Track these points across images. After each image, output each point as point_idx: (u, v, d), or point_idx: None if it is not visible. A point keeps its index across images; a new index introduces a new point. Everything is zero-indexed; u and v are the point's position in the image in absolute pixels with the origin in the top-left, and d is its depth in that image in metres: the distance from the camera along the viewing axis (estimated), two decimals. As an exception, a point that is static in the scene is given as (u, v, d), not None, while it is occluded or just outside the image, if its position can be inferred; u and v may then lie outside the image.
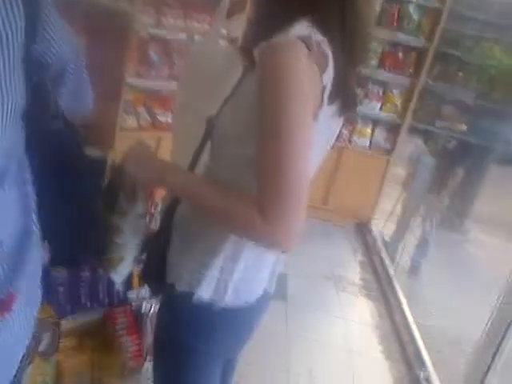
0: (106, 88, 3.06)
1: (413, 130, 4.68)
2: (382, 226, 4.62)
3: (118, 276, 1.23)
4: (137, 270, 1.37)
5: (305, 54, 0.91)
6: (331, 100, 0.99)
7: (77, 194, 1.08)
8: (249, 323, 1.27)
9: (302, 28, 0.93)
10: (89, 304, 1.92)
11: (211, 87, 1.37)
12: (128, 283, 1.95)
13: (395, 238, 4.41)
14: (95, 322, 1.91)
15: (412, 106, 4.48)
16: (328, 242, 4.31)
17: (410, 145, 4.61)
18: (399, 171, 4.71)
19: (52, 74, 0.93)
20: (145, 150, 1.18)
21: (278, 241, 0.97)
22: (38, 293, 0.98)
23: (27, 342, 0.94)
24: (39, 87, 0.88)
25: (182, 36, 3.30)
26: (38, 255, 0.93)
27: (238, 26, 1.42)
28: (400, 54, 4.46)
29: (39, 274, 0.96)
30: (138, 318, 1.95)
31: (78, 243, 1.11)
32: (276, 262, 1.24)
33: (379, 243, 4.47)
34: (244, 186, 1.03)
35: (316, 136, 0.99)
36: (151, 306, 1.95)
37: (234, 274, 1.14)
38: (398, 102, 4.52)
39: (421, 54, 4.41)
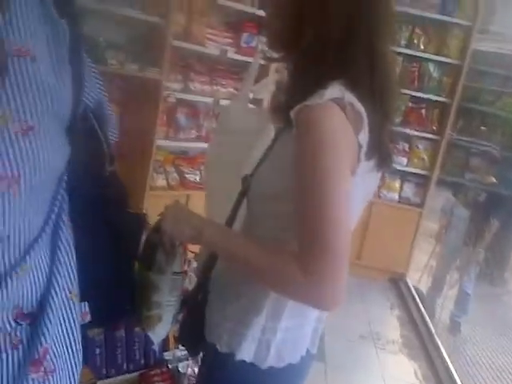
0: (137, 150, 3.23)
1: (441, 183, 4.67)
2: (418, 280, 4.51)
3: (157, 336, 1.21)
4: (173, 331, 1.35)
5: (339, 115, 0.94)
6: (368, 157, 1.01)
7: (114, 251, 1.07)
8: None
9: (335, 90, 0.95)
10: (125, 365, 1.91)
11: (242, 147, 1.41)
12: (164, 344, 1.94)
13: (432, 292, 4.28)
14: (132, 383, 1.89)
15: (439, 159, 4.49)
16: (363, 298, 4.21)
17: (439, 198, 4.58)
18: (430, 224, 4.65)
19: (96, 117, 0.95)
20: (182, 207, 1.18)
21: (322, 298, 0.95)
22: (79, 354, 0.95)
23: None
24: (90, 133, 0.91)
25: (208, 100, 3.46)
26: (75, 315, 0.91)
27: (263, 90, 1.49)
28: (423, 111, 4.53)
29: (77, 333, 0.94)
30: (174, 379, 1.92)
31: (115, 302, 1.10)
32: (318, 319, 1.20)
33: (416, 298, 4.34)
34: (282, 242, 1.04)
35: (354, 191, 1.00)
36: (188, 367, 1.92)
37: (277, 334, 1.12)
38: (425, 156, 4.55)
39: (443, 109, 4.47)
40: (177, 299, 1.20)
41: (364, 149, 0.98)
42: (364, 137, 0.98)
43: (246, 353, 1.12)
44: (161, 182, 3.42)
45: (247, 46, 3.50)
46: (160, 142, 3.35)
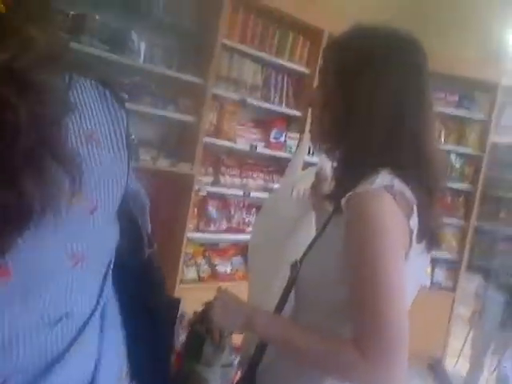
0: (167, 243, 3.27)
1: (472, 267, 4.62)
2: (455, 365, 4.33)
3: None
4: None
5: (390, 201, 0.97)
6: (419, 239, 1.03)
7: (153, 336, 1.05)
8: None
9: (385, 177, 0.99)
10: None
11: (288, 233, 1.45)
12: None
13: (471, 377, 4.08)
14: None
15: (467, 244, 4.50)
16: (404, 384, 4.00)
17: (471, 282, 4.50)
18: (462, 309, 4.54)
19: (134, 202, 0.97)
20: (231, 296, 1.18)
21: (380, 381, 0.94)
22: None
23: None
24: (128, 218, 0.92)
25: (239, 192, 3.54)
26: None
27: (305, 180, 1.56)
28: (448, 198, 4.58)
29: None
30: None
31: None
32: None
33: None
34: (333, 329, 1.04)
35: (408, 274, 1.00)
36: None
37: None
38: (453, 241, 4.54)
39: (468, 196, 4.52)
40: None
41: (415, 233, 1.00)
42: (414, 221, 1.00)
43: None
44: (191, 274, 3.42)
45: (276, 141, 3.64)
46: (190, 235, 3.39)
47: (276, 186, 3.71)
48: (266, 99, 3.58)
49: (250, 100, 3.45)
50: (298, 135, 3.72)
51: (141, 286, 1.00)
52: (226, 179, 3.50)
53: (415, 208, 1.00)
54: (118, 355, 0.87)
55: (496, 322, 3.85)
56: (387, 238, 0.96)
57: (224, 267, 3.56)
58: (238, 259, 3.73)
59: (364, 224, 0.97)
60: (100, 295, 0.83)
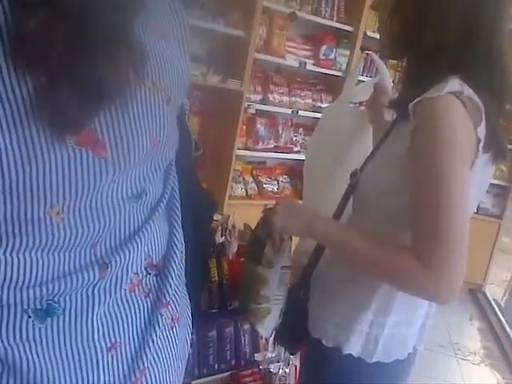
0: (217, 159, 3.33)
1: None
2: (496, 292, 4.36)
3: (265, 329, 1.23)
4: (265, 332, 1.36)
5: (459, 108, 0.95)
6: (485, 150, 1.01)
7: (190, 228, 1.09)
8: (399, 380, 1.22)
9: (455, 84, 0.97)
10: (217, 365, 1.94)
11: (344, 145, 1.45)
12: (254, 345, 1.97)
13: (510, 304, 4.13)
14: (223, 383, 1.93)
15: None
16: (441, 308, 4.08)
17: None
18: (505, 239, 4.50)
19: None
20: (292, 202, 1.21)
21: (440, 291, 0.95)
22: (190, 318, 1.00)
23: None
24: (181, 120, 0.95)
25: (287, 111, 3.51)
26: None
27: (364, 92, 1.54)
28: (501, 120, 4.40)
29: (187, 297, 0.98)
30: (265, 379, 1.93)
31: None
32: (426, 316, 1.20)
33: (497, 310, 4.19)
34: (389, 236, 1.06)
35: (472, 185, 1.00)
36: (279, 368, 1.94)
37: (385, 329, 1.12)
38: (504, 167, 4.39)
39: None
40: (284, 294, 1.22)
41: (482, 142, 0.98)
42: (482, 130, 0.98)
43: (354, 347, 1.12)
44: (239, 191, 3.49)
45: (325, 59, 3.54)
46: (239, 152, 3.43)
47: (324, 105, 3.66)
48: (317, 13, 3.45)
49: (300, 14, 3.33)
50: (348, 52, 3.60)
51: (187, 183, 1.03)
52: (274, 97, 3.46)
53: (484, 116, 0.98)
54: (180, 239, 0.93)
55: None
56: (455, 147, 0.95)
57: (271, 186, 3.61)
58: (284, 178, 3.77)
59: (433, 130, 0.96)
60: (166, 184, 0.91)
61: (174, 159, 0.92)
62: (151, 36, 0.76)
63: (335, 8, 3.51)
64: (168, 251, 0.91)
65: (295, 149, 3.73)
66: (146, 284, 0.86)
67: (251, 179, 3.59)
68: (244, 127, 3.43)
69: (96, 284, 0.76)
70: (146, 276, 0.85)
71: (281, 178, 3.73)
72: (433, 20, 1.02)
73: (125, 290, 0.81)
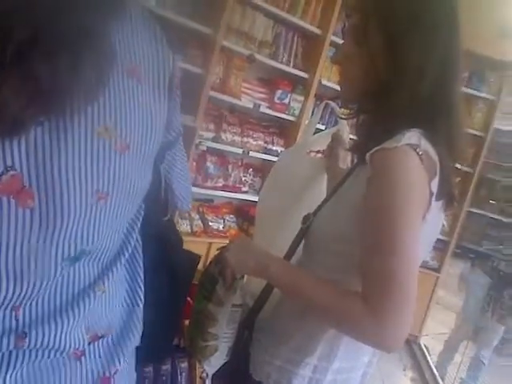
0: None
1: (460, 249, 4.66)
2: (430, 344, 4.43)
3: (211, 366, 1.20)
4: (202, 371, 1.32)
5: (415, 160, 0.96)
6: (437, 198, 1.02)
7: (169, 289, 1.07)
8: None
9: (413, 136, 0.97)
10: None
11: (299, 190, 1.46)
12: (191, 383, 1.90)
13: (444, 358, 4.18)
14: None
15: (458, 226, 4.51)
16: (377, 356, 4.12)
17: (455, 265, 4.55)
18: (441, 292, 4.61)
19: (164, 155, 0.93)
20: (247, 240, 1.19)
21: (386, 338, 0.94)
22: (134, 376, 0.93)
23: None
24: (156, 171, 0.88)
25: (238, 151, 3.51)
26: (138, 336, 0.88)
27: (320, 142, 1.57)
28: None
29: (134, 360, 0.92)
30: None
31: (166, 339, 1.09)
32: (369, 364, 1.20)
33: (430, 361, 4.25)
34: (338, 282, 1.04)
35: (423, 235, 1.00)
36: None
37: (328, 375, 1.11)
38: (445, 222, 4.54)
39: (465, 178, 4.47)
40: (233, 332, 1.20)
41: (435, 194, 0.99)
42: (435, 183, 0.99)
43: None
44: (185, 227, 3.41)
45: (280, 103, 3.58)
46: (187, 188, 3.36)
47: (275, 148, 3.68)
48: (275, 57, 3.50)
49: (258, 56, 3.37)
50: (302, 98, 3.67)
51: (162, 243, 1.00)
52: (226, 136, 3.45)
53: (438, 169, 1.00)
54: (140, 301, 0.86)
55: (478, 306, 3.92)
56: (408, 196, 0.95)
57: (217, 224, 3.56)
58: (231, 217, 3.73)
59: (387, 180, 0.96)
60: (126, 242, 0.81)
61: (139, 219, 0.83)
62: (120, 70, 0.67)
63: (292, 54, 3.58)
64: (125, 320, 0.82)
65: (243, 189, 3.71)
66: (86, 354, 0.76)
67: (197, 216, 3.52)
68: (194, 163, 3.39)
69: (12, 352, 0.67)
70: (84, 348, 0.75)
71: (227, 217, 3.69)
72: (407, 78, 1.02)
73: (53, 359, 0.71)
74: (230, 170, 3.59)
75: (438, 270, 4.55)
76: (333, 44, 3.64)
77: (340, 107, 1.46)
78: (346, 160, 1.48)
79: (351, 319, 0.96)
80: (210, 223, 3.53)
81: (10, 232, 0.61)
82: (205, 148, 3.35)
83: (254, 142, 3.59)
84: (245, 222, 3.72)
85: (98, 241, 0.71)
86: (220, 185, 3.56)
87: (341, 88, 1.18)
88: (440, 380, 4.00)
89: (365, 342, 1.02)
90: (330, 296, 1.00)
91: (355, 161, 1.20)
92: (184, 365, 1.89)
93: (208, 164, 3.46)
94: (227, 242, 1.17)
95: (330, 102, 1.57)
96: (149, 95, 0.73)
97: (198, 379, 1.91)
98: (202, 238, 3.43)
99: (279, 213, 1.47)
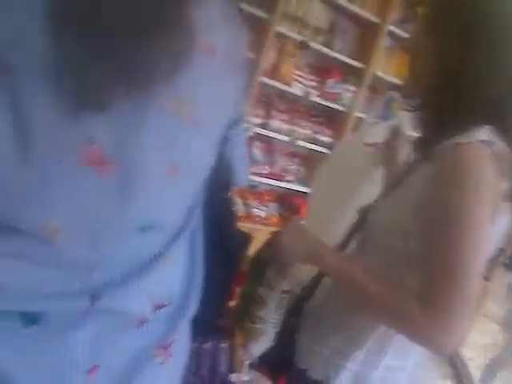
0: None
1: (508, 260, 4.50)
2: (470, 354, 4.31)
3: (256, 349, 1.22)
4: (243, 355, 1.34)
5: (489, 158, 0.93)
6: (507, 199, 0.98)
7: (221, 263, 1.06)
8: None
9: (486, 133, 0.95)
10: (192, 377, 1.89)
11: (353, 182, 1.46)
12: (231, 365, 1.91)
13: (488, 373, 4.06)
14: None
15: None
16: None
17: (503, 275, 4.40)
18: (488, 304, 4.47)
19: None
20: (302, 227, 1.17)
21: (442, 341, 0.91)
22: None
23: None
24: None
25: (285, 139, 3.47)
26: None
27: (378, 134, 1.54)
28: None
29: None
30: None
31: (214, 314, 1.11)
32: (417, 364, 1.16)
33: (469, 373, 4.15)
34: (392, 276, 1.02)
35: (490, 238, 0.97)
36: (253, 393, 1.89)
37: (376, 371, 1.09)
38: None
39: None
40: (280, 318, 1.20)
41: (506, 196, 0.96)
42: (506, 183, 0.96)
43: (343, 383, 1.09)
44: (227, 212, 3.41)
45: (331, 92, 3.52)
46: (232, 173, 3.36)
47: (323, 138, 3.63)
48: (329, 45, 3.43)
49: (312, 43, 3.31)
50: (354, 88, 3.59)
51: (221, 219, 0.99)
52: (274, 123, 3.42)
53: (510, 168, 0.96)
54: (199, 276, 0.88)
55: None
56: (480, 194, 0.92)
57: (259, 211, 3.54)
58: (273, 205, 3.71)
59: (459, 174, 0.92)
60: (189, 217, 0.83)
61: (202, 196, 0.85)
62: (198, 47, 0.67)
63: (347, 43, 3.50)
64: (185, 291, 0.85)
65: (288, 177, 3.68)
66: (148, 321, 0.79)
67: (240, 201, 3.52)
68: (240, 149, 3.37)
69: (85, 312, 0.71)
70: (147, 315, 0.79)
71: (270, 205, 3.67)
72: (478, 71, 0.98)
73: (119, 322, 0.76)
74: (276, 158, 3.57)
75: (487, 278, 4.41)
76: (390, 34, 3.55)
77: (403, 99, 1.41)
78: (403, 154, 1.44)
79: (406, 317, 0.94)
80: (253, 209, 3.52)
81: (90, 200, 0.64)
82: (252, 134, 3.33)
83: (302, 131, 3.55)
84: (287, 210, 3.70)
85: (166, 214, 0.74)
86: (265, 172, 3.54)
87: (406, 80, 1.14)
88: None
89: (417, 342, 0.99)
90: (385, 291, 0.97)
91: (414, 155, 1.16)
92: (225, 345, 1.90)
93: (254, 150, 3.44)
94: (270, 228, 1.17)
95: (392, 93, 1.53)
96: (222, 74, 0.74)
97: (237, 361, 1.92)
98: (244, 224, 3.42)
99: (332, 203, 1.47)
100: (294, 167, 3.71)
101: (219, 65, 0.72)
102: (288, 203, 3.71)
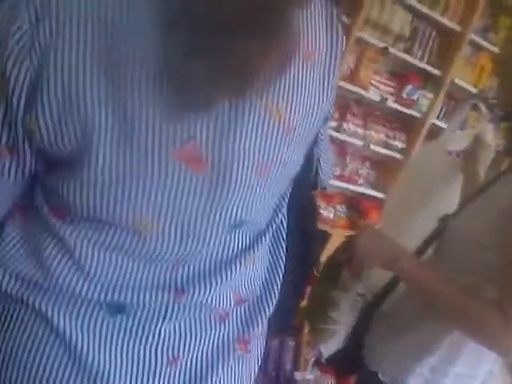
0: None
1: None
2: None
3: (327, 350, 1.23)
4: (308, 354, 1.34)
5: None
6: None
7: (299, 260, 1.06)
8: None
9: None
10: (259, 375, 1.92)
11: (432, 189, 1.45)
12: (296, 363, 1.96)
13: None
14: None
15: None
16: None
17: None
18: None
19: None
20: (379, 231, 1.20)
21: None
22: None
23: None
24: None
25: (359, 143, 3.49)
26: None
27: (459, 142, 1.53)
28: None
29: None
30: None
31: (288, 311, 1.08)
32: (489, 372, 1.17)
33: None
34: (469, 286, 1.03)
35: None
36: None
37: (447, 378, 1.10)
38: None
39: None
40: (353, 320, 1.21)
41: None
42: None
43: None
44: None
45: (408, 98, 3.51)
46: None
47: (396, 143, 3.62)
48: (409, 52, 3.43)
49: (392, 50, 3.33)
50: (432, 95, 3.56)
51: (303, 217, 1.00)
52: (349, 127, 3.45)
53: None
54: (279, 277, 0.90)
55: None
56: None
57: (327, 212, 3.58)
58: (342, 208, 3.73)
59: None
60: (275, 215, 0.85)
61: (288, 195, 0.87)
62: (298, 54, 0.69)
63: (427, 50, 3.49)
64: (265, 289, 0.87)
65: (359, 181, 3.70)
66: (229, 316, 0.82)
67: (310, 202, 3.56)
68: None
69: (170, 304, 0.75)
70: (229, 309, 0.81)
71: (338, 207, 3.70)
72: None
73: (202, 315, 0.78)
74: (347, 161, 3.60)
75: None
76: (471, 43, 3.50)
77: (495, 109, 1.42)
78: (486, 164, 1.44)
79: (486, 327, 0.96)
80: (322, 210, 3.56)
81: (183, 196, 0.67)
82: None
83: (376, 135, 3.56)
84: (355, 214, 3.70)
85: (255, 212, 0.76)
86: (336, 174, 3.57)
87: (498, 90, 1.16)
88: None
89: (494, 350, 1.01)
90: (465, 300, 0.99)
91: (500, 166, 1.18)
92: (291, 343, 1.96)
93: (327, 153, 3.47)
94: (337, 230, 1.17)
95: (477, 102, 1.54)
96: (319, 81, 0.74)
97: (302, 360, 1.98)
98: (313, 224, 3.46)
99: (410, 209, 1.46)
100: (365, 171, 3.72)
101: (316, 70, 0.73)
102: (357, 206, 3.73)
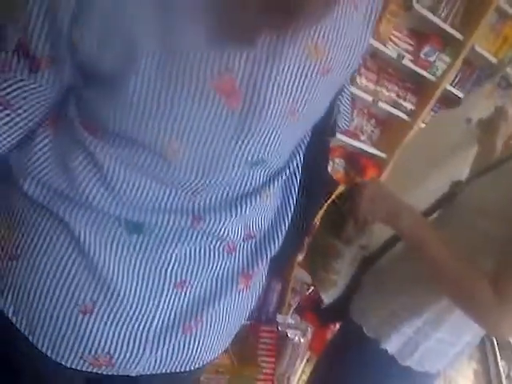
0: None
1: None
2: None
3: (328, 297, 1.25)
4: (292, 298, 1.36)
5: None
6: None
7: (306, 205, 1.06)
8: None
9: None
10: None
11: (445, 155, 1.44)
12: (279, 306, 1.99)
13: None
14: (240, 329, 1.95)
15: None
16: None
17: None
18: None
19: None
20: (382, 186, 1.19)
21: (504, 325, 0.94)
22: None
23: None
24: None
25: (368, 98, 3.42)
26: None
27: (478, 110, 1.49)
28: None
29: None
30: (279, 341, 1.96)
31: (288, 254, 1.09)
32: (468, 344, 1.19)
33: (498, 357, 4.15)
34: (470, 256, 1.03)
35: None
36: (296, 336, 1.96)
37: (429, 340, 1.12)
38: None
39: None
40: (354, 270, 1.23)
41: None
42: None
43: (392, 345, 1.13)
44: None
45: (425, 59, 3.42)
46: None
47: (406, 104, 3.56)
48: (433, 11, 3.30)
49: (416, 6, 3.20)
50: (449, 60, 3.46)
51: (318, 162, 1.00)
52: (361, 81, 3.37)
53: None
54: (288, 218, 0.91)
55: None
56: None
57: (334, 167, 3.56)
58: (340, 161, 3.71)
59: None
60: (291, 157, 0.87)
61: (307, 140, 0.88)
62: None
63: (453, 12, 3.36)
64: (273, 228, 0.89)
65: (362, 137, 3.66)
66: (237, 249, 0.85)
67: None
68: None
69: (185, 229, 0.77)
70: (239, 243, 0.84)
71: (336, 160, 3.67)
72: None
73: (212, 245, 0.81)
74: (353, 116, 3.53)
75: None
76: (498, 10, 3.38)
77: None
78: (504, 136, 1.42)
79: (476, 298, 0.96)
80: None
81: (211, 127, 0.68)
82: (336, 88, 3.29)
83: (387, 93, 3.49)
84: (352, 170, 3.69)
85: (276, 152, 0.78)
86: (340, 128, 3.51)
87: None
88: (504, 379, 3.90)
89: (480, 324, 1.01)
90: (458, 265, 0.99)
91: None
92: (278, 287, 1.98)
93: (335, 104, 3.41)
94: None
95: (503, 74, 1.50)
96: (359, 25, 0.75)
97: (287, 304, 2.01)
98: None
99: (420, 171, 1.46)
100: (369, 128, 3.67)
101: (357, 18, 0.74)
102: (355, 163, 3.71)
